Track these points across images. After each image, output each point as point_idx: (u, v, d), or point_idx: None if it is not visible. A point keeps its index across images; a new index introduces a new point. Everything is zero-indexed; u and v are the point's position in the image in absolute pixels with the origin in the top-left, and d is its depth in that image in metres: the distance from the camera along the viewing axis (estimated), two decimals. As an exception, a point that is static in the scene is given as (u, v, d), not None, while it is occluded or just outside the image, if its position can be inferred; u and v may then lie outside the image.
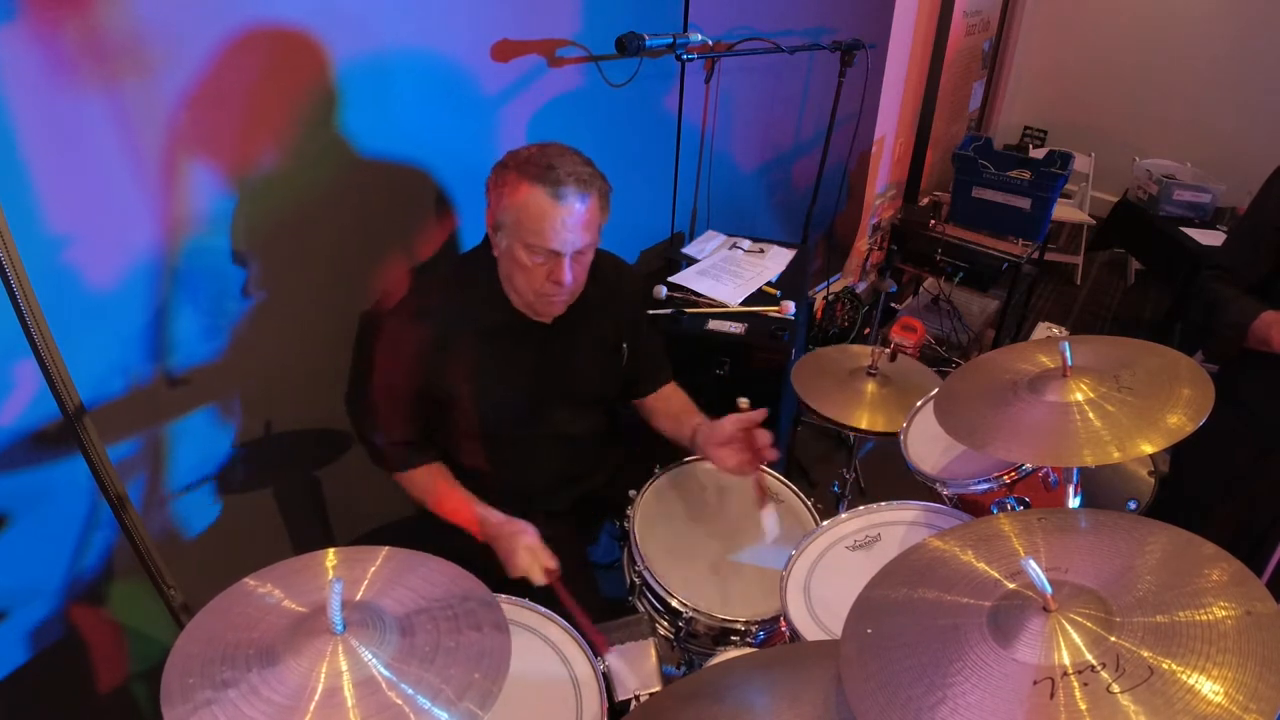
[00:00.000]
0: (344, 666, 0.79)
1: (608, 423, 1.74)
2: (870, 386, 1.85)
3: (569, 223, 1.34)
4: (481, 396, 1.50)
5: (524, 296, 1.45)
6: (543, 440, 1.61)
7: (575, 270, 1.41)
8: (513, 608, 1.26)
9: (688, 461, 1.67)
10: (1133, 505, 1.50)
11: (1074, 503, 1.23)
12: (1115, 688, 0.67)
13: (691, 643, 1.40)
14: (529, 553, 1.37)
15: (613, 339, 1.64)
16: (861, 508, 1.44)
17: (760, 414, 1.47)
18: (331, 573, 0.93)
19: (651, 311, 2.12)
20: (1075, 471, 1.24)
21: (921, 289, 4.20)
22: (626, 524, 1.51)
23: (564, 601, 1.28)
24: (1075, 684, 0.69)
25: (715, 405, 1.62)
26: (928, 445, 1.59)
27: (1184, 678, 0.67)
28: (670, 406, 1.72)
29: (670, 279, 2.24)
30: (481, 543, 1.45)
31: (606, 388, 1.68)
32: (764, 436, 1.47)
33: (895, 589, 0.88)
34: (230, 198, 1.36)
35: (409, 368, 1.44)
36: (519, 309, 1.49)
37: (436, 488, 1.53)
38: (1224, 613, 0.71)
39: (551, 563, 1.37)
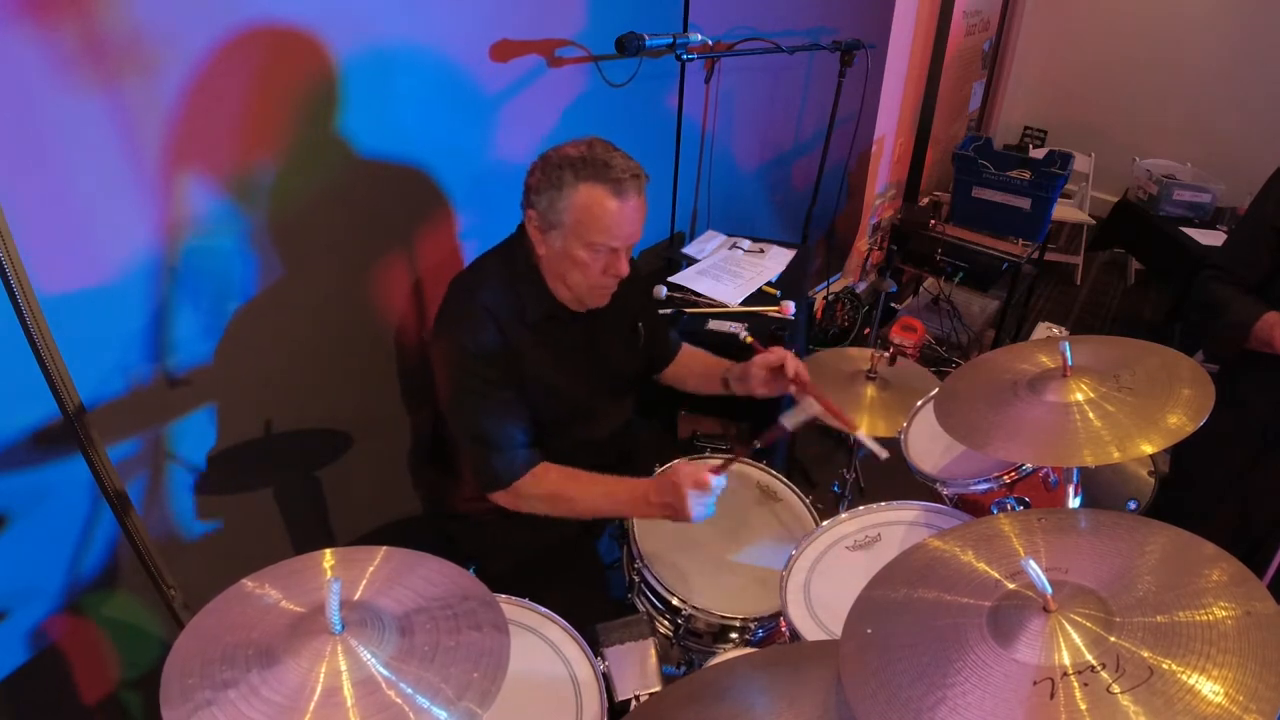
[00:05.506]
0: (343, 666, 0.79)
1: (630, 421, 1.76)
2: (870, 390, 1.85)
3: (631, 218, 1.37)
4: (550, 389, 1.51)
5: (576, 291, 1.46)
6: (581, 443, 1.61)
7: (627, 262, 1.44)
8: (513, 608, 1.26)
9: (688, 460, 1.67)
10: (1133, 505, 1.50)
11: (1074, 503, 1.23)
12: (1115, 688, 0.67)
13: (691, 640, 1.40)
14: (685, 469, 1.37)
15: (630, 320, 1.68)
16: (861, 508, 1.44)
17: (778, 354, 1.53)
18: (329, 573, 0.93)
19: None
20: (1075, 471, 1.24)
21: (921, 289, 4.20)
22: (626, 522, 1.51)
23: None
24: (1075, 684, 0.69)
25: (716, 407, 1.62)
26: (928, 445, 1.59)
27: (1184, 678, 0.67)
28: (694, 365, 1.78)
29: (670, 279, 2.24)
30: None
31: (635, 368, 1.72)
32: (791, 366, 1.51)
33: (895, 589, 0.88)
34: (230, 197, 1.36)
35: (504, 366, 1.44)
36: (562, 301, 1.51)
37: (575, 477, 1.46)
38: (1224, 613, 0.71)
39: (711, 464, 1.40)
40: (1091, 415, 1.14)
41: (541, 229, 1.41)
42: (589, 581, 1.59)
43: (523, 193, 1.43)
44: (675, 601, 1.37)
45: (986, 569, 0.86)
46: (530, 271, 1.48)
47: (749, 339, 1.69)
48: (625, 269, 1.43)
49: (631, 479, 1.44)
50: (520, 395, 1.46)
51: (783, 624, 1.27)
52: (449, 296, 1.50)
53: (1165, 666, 0.68)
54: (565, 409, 1.55)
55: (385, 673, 0.80)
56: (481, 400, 1.43)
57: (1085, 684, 0.68)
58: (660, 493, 1.38)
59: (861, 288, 4.09)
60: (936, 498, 1.51)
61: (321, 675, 0.78)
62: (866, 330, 3.64)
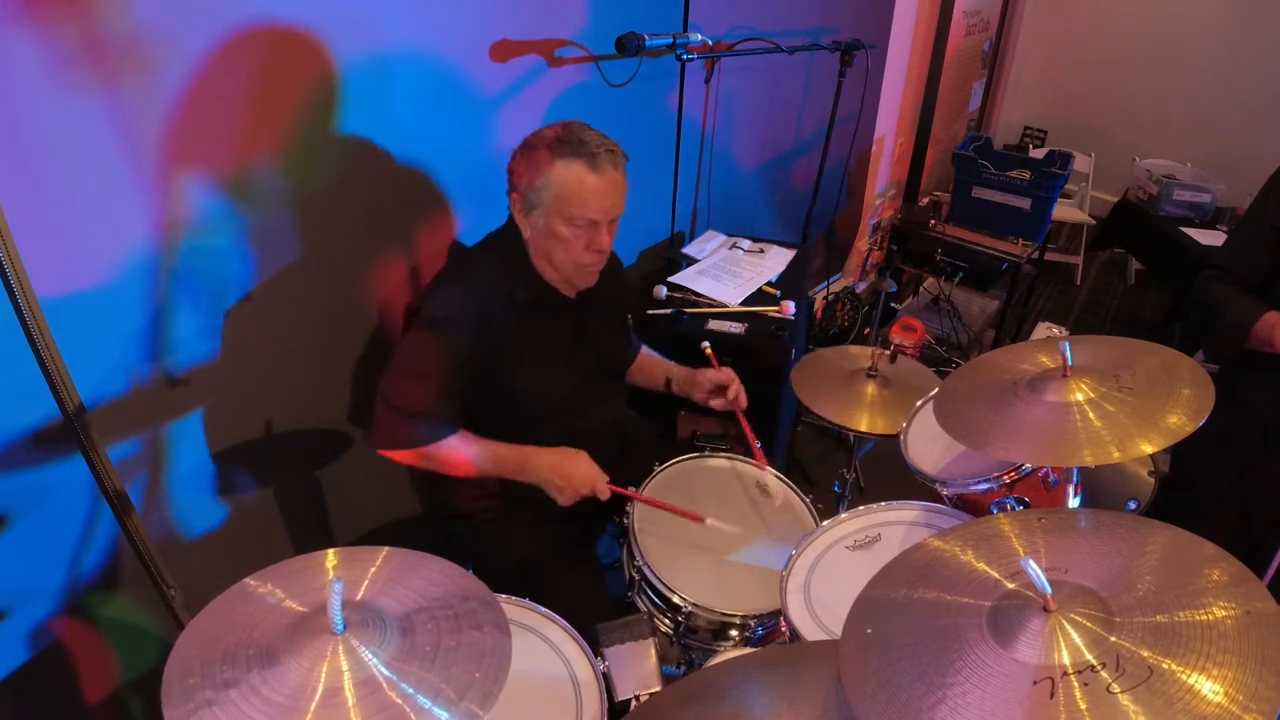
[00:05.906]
0: (344, 666, 0.79)
1: (623, 415, 1.77)
2: (870, 388, 1.85)
3: (607, 191, 1.41)
4: (533, 374, 1.53)
5: (563, 270, 1.50)
6: (574, 435, 1.61)
7: (609, 237, 1.47)
8: (513, 608, 1.26)
9: (687, 459, 1.67)
10: (1133, 505, 1.50)
11: (1074, 503, 1.23)
12: (1115, 688, 0.67)
13: (690, 638, 1.40)
14: (590, 466, 1.47)
15: (619, 309, 1.72)
16: (861, 508, 1.44)
17: (727, 374, 1.68)
18: (331, 573, 0.93)
19: (651, 311, 2.12)
20: (1075, 471, 1.23)
21: (921, 289, 4.20)
22: (626, 520, 1.51)
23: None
24: (1075, 684, 0.69)
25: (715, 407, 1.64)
26: (928, 445, 1.59)
27: (1184, 678, 0.67)
28: (641, 362, 1.87)
29: (670, 279, 2.24)
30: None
31: (624, 358, 1.76)
32: (734, 389, 1.67)
33: (895, 589, 0.88)
34: (229, 197, 1.36)
35: (465, 341, 1.46)
36: (551, 284, 1.54)
37: (472, 444, 1.50)
38: (1224, 613, 0.71)
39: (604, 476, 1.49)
40: (1091, 415, 1.14)
41: (524, 210, 1.45)
42: (589, 581, 1.59)
43: (506, 178, 1.46)
44: (675, 599, 1.37)
45: (986, 569, 0.86)
46: (519, 257, 1.51)
47: (708, 350, 1.80)
48: (608, 244, 1.46)
49: (522, 448, 1.49)
50: (463, 389, 1.49)
51: (783, 624, 1.27)
52: (441, 278, 1.52)
53: (1165, 666, 0.68)
54: (553, 398, 1.56)
55: (387, 673, 0.80)
56: (440, 384, 1.46)
57: (1085, 684, 0.69)
58: (554, 471, 1.46)
59: (861, 288, 4.09)
60: (936, 498, 1.51)
61: (323, 675, 0.78)
62: (866, 330, 3.64)
